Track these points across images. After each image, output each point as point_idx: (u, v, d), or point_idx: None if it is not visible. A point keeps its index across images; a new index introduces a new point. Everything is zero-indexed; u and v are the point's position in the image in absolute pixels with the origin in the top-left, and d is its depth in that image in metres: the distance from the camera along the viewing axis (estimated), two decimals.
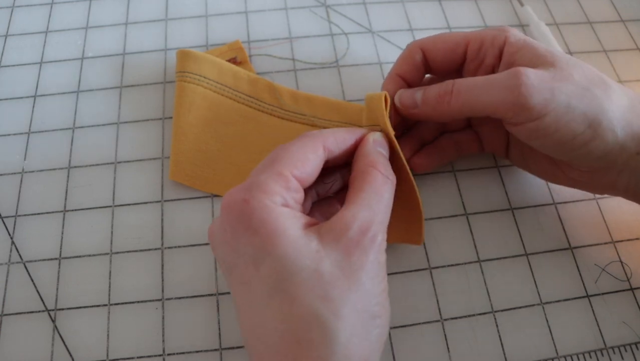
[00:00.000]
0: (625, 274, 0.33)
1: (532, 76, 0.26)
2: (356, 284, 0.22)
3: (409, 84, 0.32)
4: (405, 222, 0.30)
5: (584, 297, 0.32)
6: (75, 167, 0.35)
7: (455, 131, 0.34)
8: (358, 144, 0.27)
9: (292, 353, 0.21)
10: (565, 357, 0.30)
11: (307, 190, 0.28)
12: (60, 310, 0.31)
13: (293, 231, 0.23)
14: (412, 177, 0.28)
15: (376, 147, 0.27)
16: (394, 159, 0.28)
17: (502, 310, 0.31)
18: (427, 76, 0.34)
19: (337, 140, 0.27)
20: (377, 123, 0.29)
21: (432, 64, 0.31)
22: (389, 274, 0.32)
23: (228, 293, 0.31)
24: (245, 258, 0.23)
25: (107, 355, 0.29)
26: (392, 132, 0.28)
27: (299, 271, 0.22)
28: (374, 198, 0.24)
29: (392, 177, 0.26)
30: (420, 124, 0.34)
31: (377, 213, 0.24)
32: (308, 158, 0.25)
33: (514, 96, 0.26)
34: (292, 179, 0.24)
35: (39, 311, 0.31)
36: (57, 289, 0.31)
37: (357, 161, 0.27)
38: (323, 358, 0.21)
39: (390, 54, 0.41)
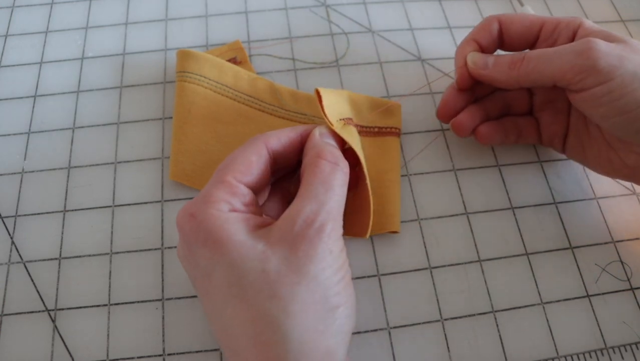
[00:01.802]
0: (626, 274, 0.33)
1: (601, 43, 0.27)
2: (306, 278, 0.22)
3: (483, 51, 0.33)
4: (360, 215, 0.30)
5: (584, 297, 0.32)
6: (75, 167, 0.35)
7: (518, 115, 0.35)
8: (305, 139, 0.28)
9: (252, 356, 0.22)
10: (565, 357, 0.30)
11: (282, 192, 0.29)
12: (60, 310, 0.31)
13: (238, 236, 0.23)
14: (365, 170, 0.29)
15: (323, 139, 0.27)
16: (348, 156, 0.28)
17: (502, 310, 0.31)
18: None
19: (280, 138, 0.27)
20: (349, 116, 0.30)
21: (506, 38, 0.32)
22: (388, 273, 0.32)
23: None
24: (200, 271, 0.24)
25: (107, 355, 0.29)
26: (331, 125, 0.28)
27: (247, 274, 0.22)
28: (321, 188, 0.24)
29: (343, 164, 0.26)
30: (486, 98, 0.35)
31: (324, 202, 0.24)
32: (250, 161, 0.25)
33: (582, 58, 0.27)
34: (237, 183, 0.24)
35: (39, 311, 0.31)
36: (57, 289, 0.31)
37: (305, 155, 0.27)
38: (280, 358, 0.21)
39: (391, 54, 0.41)
